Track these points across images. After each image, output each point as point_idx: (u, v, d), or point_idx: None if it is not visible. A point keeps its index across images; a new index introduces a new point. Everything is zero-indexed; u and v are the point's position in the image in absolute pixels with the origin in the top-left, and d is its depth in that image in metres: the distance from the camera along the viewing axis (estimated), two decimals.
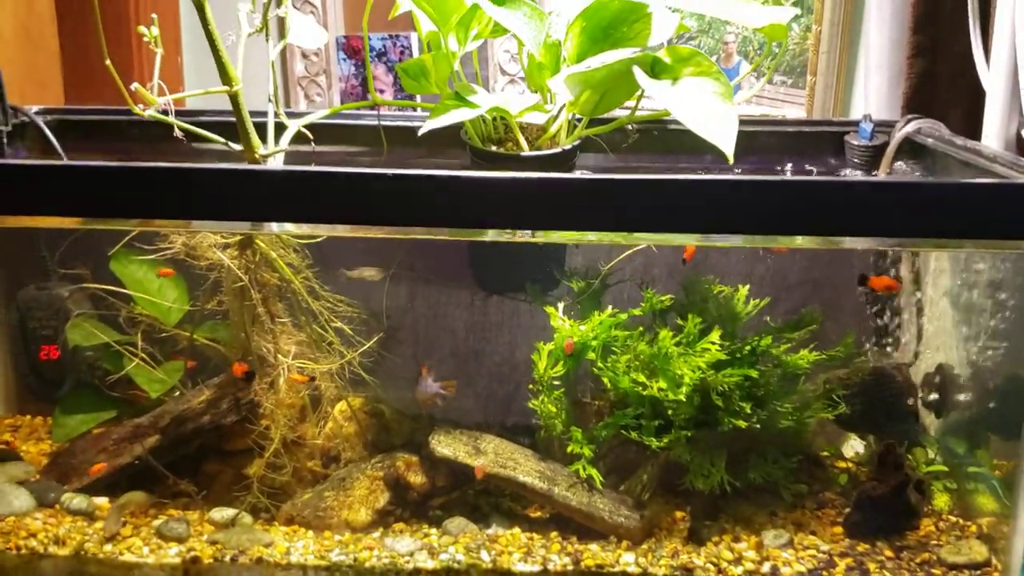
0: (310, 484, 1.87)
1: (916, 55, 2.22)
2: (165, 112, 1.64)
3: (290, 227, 1.68)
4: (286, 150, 1.73)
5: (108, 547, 1.74)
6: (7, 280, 2.06)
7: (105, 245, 1.91)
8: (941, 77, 2.22)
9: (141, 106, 1.63)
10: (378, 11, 1.87)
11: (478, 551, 1.74)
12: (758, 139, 2.06)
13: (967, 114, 2.18)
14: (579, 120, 1.81)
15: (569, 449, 1.79)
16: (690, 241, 1.76)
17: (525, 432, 1.90)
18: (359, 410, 1.92)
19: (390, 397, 1.94)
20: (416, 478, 1.82)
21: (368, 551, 1.74)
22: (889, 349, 1.99)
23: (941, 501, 1.84)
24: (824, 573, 1.70)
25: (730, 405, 1.72)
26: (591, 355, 1.82)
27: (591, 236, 1.60)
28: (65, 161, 1.85)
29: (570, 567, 1.70)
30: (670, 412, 1.75)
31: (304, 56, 2.71)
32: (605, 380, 1.80)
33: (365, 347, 1.86)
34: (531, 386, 1.85)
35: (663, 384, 1.73)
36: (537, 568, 1.70)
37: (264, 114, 1.74)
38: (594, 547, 1.75)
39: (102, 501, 1.84)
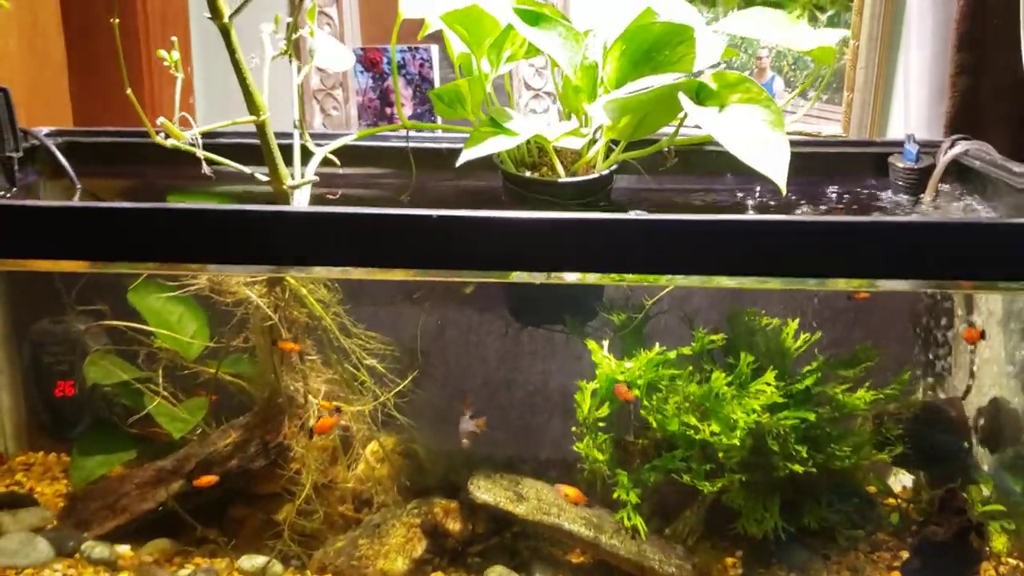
0: (342, 529, 1.79)
1: (960, 73, 2.14)
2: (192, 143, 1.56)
3: (320, 271, 1.60)
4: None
5: None
6: (20, 312, 1.97)
7: (124, 277, 1.83)
8: (985, 96, 2.15)
9: (162, 133, 1.54)
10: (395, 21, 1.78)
11: None
12: (797, 160, 1.98)
13: (1013, 135, 2.11)
14: (615, 143, 1.73)
15: (616, 495, 1.71)
16: (748, 283, 1.68)
17: (563, 469, 1.83)
18: (392, 451, 1.84)
19: (423, 436, 1.86)
20: (455, 525, 1.75)
21: None
22: (941, 382, 1.92)
23: (999, 543, 1.77)
24: None
25: (785, 448, 1.65)
26: (635, 392, 1.75)
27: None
28: (74, 202, 1.76)
29: None
30: (721, 455, 1.68)
31: (320, 69, 2.62)
32: (651, 420, 1.72)
33: (399, 387, 1.78)
34: (575, 429, 1.77)
35: (716, 428, 1.65)
36: None
37: (286, 135, 1.65)
38: None
39: (124, 549, 1.76)
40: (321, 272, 1.66)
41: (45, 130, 1.90)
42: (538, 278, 1.40)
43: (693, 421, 1.67)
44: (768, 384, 1.64)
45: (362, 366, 1.79)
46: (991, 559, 1.76)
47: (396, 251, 1.32)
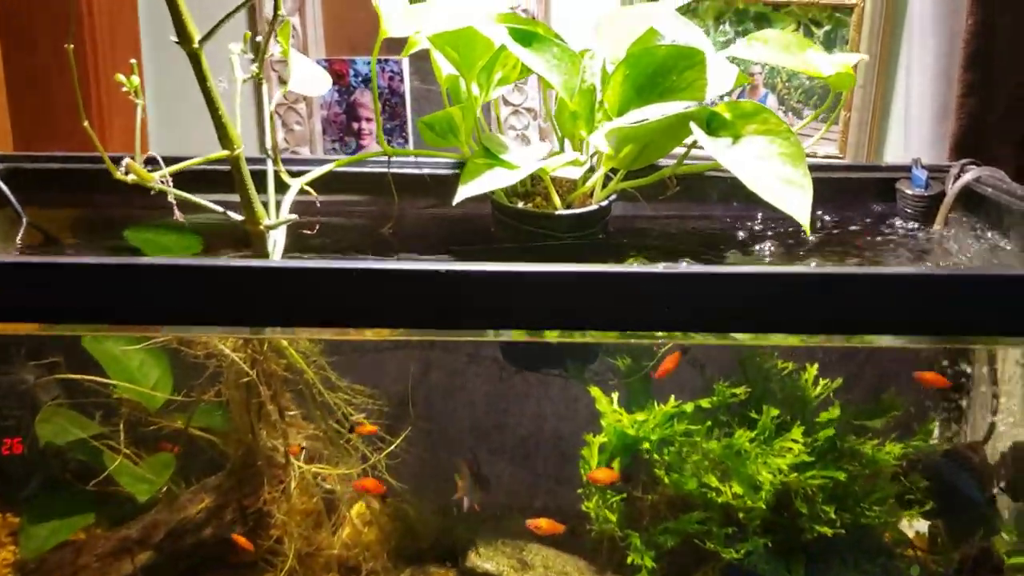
0: None
1: (967, 94, 2.06)
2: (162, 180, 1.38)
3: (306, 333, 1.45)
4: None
5: None
6: None
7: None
8: (992, 117, 2.07)
9: (123, 169, 1.36)
10: (363, 31, 1.62)
11: None
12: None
13: (1016, 157, 2.04)
14: (614, 171, 1.60)
15: (629, 560, 1.59)
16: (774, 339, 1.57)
17: (569, 531, 1.70)
18: (380, 512, 1.70)
19: (414, 495, 1.72)
20: None
21: None
22: (960, 426, 1.83)
23: None
24: None
25: (812, 509, 1.54)
26: (646, 445, 1.63)
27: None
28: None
29: None
30: (742, 516, 1.56)
31: (282, 82, 2.44)
32: (665, 479, 1.60)
33: (391, 447, 1.63)
34: (581, 490, 1.64)
35: (738, 489, 1.54)
36: None
37: (254, 160, 1.48)
38: None
39: None
40: (309, 334, 1.50)
41: None
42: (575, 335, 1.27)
43: (714, 482, 1.55)
44: (796, 441, 1.53)
45: (347, 422, 1.64)
46: None
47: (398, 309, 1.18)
